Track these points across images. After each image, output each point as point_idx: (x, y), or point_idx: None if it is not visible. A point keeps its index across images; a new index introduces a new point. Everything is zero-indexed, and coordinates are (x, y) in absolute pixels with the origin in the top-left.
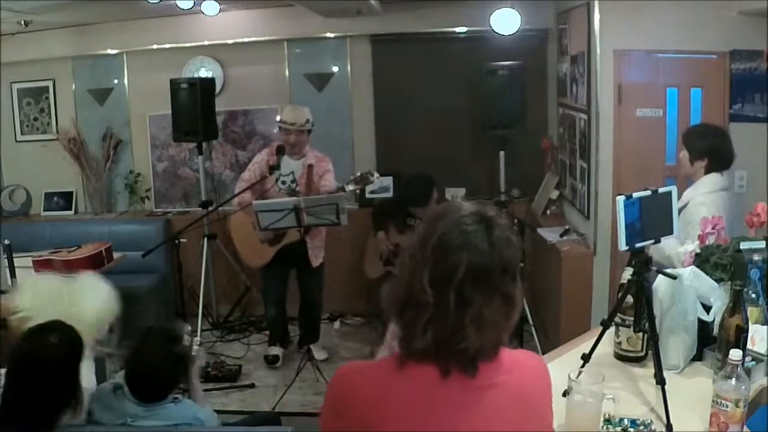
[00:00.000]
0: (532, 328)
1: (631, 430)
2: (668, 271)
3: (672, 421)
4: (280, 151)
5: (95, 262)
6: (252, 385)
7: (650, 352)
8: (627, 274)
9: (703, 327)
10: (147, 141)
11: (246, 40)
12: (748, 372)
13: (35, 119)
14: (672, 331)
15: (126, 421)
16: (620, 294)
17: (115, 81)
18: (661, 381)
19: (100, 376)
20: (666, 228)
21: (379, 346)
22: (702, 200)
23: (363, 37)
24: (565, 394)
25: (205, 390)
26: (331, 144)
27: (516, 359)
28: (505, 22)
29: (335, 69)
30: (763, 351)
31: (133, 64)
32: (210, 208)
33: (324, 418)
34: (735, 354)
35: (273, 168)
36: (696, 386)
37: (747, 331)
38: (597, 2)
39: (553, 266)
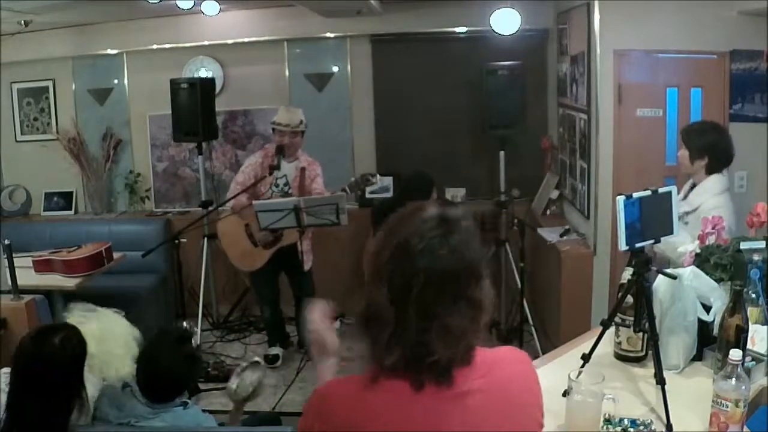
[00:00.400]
0: (532, 328)
1: (631, 430)
2: (668, 271)
3: (672, 421)
4: (281, 151)
5: (95, 262)
6: None
7: (650, 352)
8: (627, 274)
9: (703, 327)
10: (147, 141)
11: (246, 40)
12: (748, 372)
13: (35, 119)
14: (672, 331)
15: (130, 421)
16: (620, 294)
17: (115, 81)
18: (661, 381)
19: None
20: (666, 228)
21: None
22: (715, 203)
23: (363, 37)
24: (565, 394)
25: (205, 390)
26: (331, 144)
27: (495, 358)
28: (505, 22)
29: (335, 69)
30: (763, 351)
31: (133, 64)
32: (210, 208)
33: None
34: (735, 354)
35: (273, 168)
36: (696, 386)
37: (747, 331)
38: (597, 2)
39: (553, 266)
